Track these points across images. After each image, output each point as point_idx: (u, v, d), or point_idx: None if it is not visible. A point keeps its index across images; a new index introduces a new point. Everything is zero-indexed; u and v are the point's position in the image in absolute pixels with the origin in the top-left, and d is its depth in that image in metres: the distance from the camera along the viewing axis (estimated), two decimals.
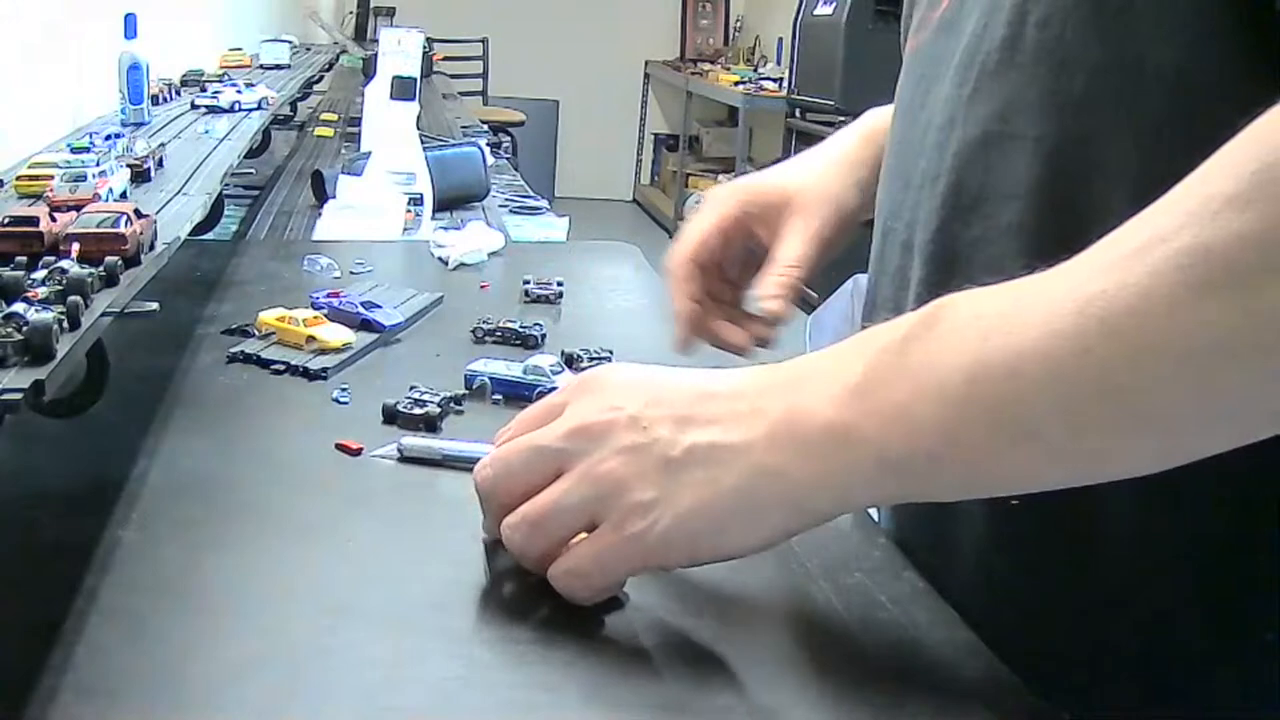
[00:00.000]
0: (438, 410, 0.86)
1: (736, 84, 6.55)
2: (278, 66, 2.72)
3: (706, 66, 7.32)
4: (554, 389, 0.89)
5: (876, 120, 0.88)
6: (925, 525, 0.72)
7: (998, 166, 0.63)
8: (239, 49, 2.68)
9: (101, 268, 0.77)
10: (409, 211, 1.61)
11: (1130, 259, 0.47)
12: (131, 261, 0.83)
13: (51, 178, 0.98)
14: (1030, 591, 0.65)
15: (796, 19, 5.74)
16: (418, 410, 0.86)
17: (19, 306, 0.66)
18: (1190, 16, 0.57)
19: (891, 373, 0.52)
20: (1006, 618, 0.63)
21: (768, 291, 0.82)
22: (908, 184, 0.71)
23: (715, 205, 0.86)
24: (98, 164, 1.01)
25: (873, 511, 0.77)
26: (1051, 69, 0.61)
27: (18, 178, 1.02)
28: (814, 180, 0.85)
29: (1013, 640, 0.61)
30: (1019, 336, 0.49)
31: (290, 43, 3.03)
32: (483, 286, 1.29)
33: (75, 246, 0.79)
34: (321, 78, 3.43)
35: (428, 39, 2.33)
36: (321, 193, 1.85)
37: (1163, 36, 0.58)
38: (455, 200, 1.90)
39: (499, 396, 0.92)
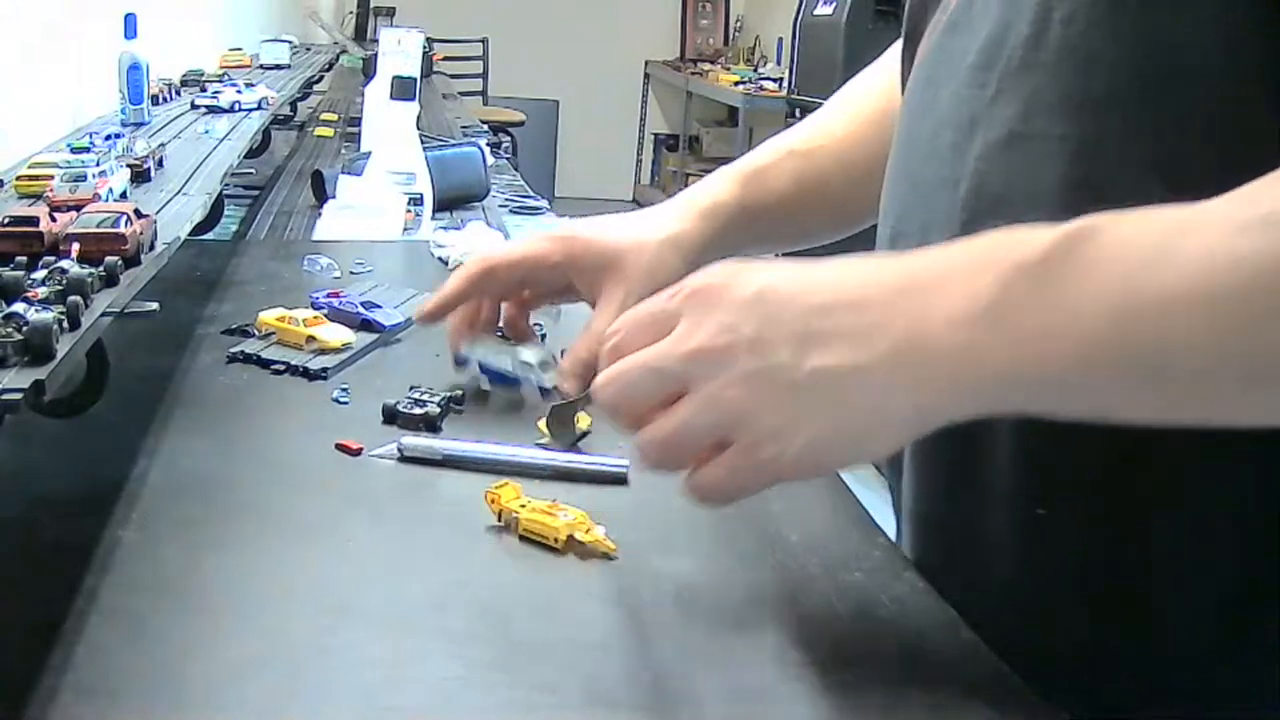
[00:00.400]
0: (438, 410, 0.87)
1: (736, 84, 6.54)
2: (278, 66, 2.71)
3: (706, 66, 7.31)
4: (544, 388, 0.90)
5: (726, 186, 0.91)
6: (926, 527, 0.72)
7: (1021, 168, 0.62)
8: (239, 49, 2.68)
9: (101, 268, 0.77)
10: (409, 211, 1.61)
11: (1271, 225, 0.47)
12: (131, 261, 0.83)
13: (51, 178, 0.98)
14: (1031, 592, 0.65)
15: (796, 19, 5.73)
16: (418, 410, 0.86)
17: (19, 306, 0.66)
18: (1213, 12, 0.57)
19: (1028, 298, 0.50)
20: (1006, 618, 0.63)
21: (568, 369, 0.86)
22: (916, 187, 0.70)
23: (544, 243, 0.90)
24: (98, 164, 1.01)
25: (872, 510, 0.77)
26: (1075, 66, 0.60)
27: (18, 178, 1.02)
28: (644, 252, 0.87)
29: (1013, 640, 0.61)
30: (1169, 278, 0.48)
31: (290, 43, 3.03)
32: None
33: (75, 246, 0.79)
34: (321, 78, 3.42)
35: (428, 39, 2.32)
36: (321, 193, 1.85)
37: (1186, 33, 0.57)
38: (455, 200, 1.90)
39: (487, 386, 0.93)
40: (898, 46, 0.85)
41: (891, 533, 0.75)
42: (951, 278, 0.53)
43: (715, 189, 0.92)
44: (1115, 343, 0.49)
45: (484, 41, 6.87)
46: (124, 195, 1.04)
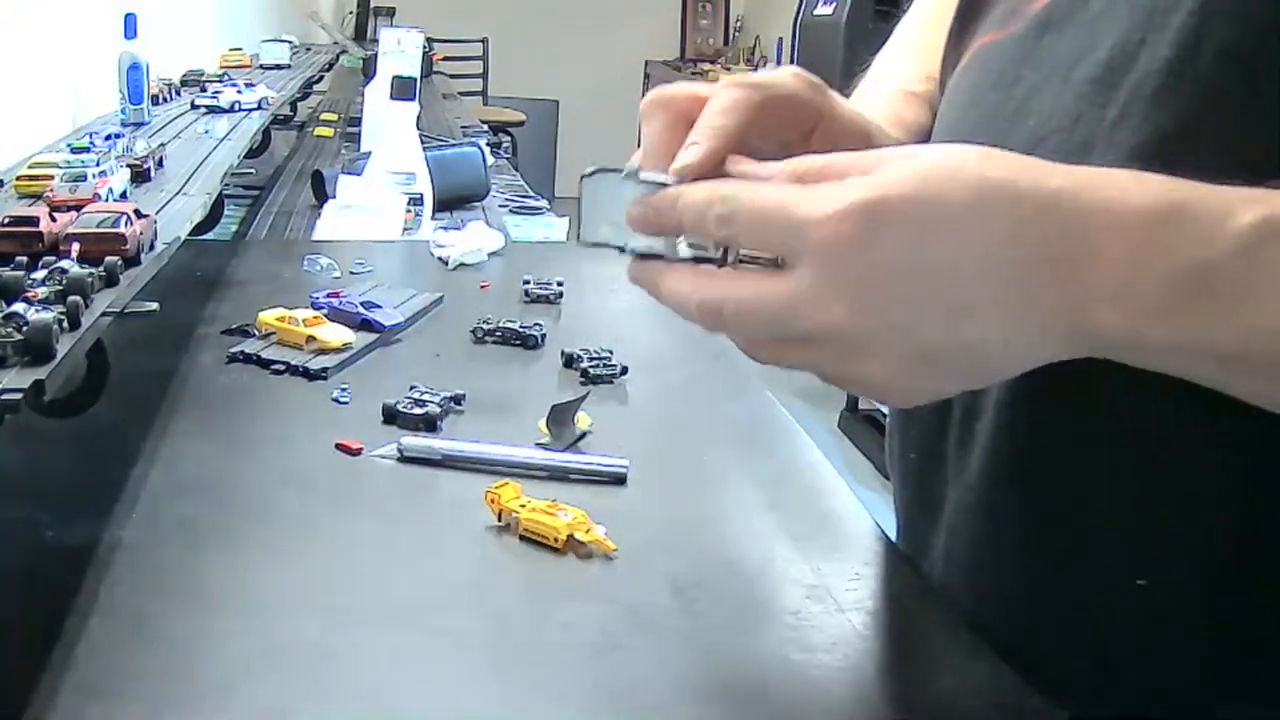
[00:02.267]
0: (438, 410, 0.87)
1: None
2: (278, 66, 2.72)
3: (706, 66, 7.31)
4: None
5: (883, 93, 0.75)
6: (928, 527, 0.72)
7: None
8: (239, 49, 2.68)
9: (101, 268, 0.77)
10: (409, 211, 1.61)
11: None
12: (131, 261, 0.83)
13: (51, 178, 0.98)
14: (1032, 592, 0.65)
15: (796, 19, 5.73)
16: (418, 410, 0.86)
17: (19, 306, 0.66)
18: None
19: (1197, 302, 0.47)
20: (1007, 618, 0.63)
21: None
22: None
23: (796, 80, 0.61)
24: (98, 164, 1.01)
25: (872, 510, 0.77)
26: (1231, 105, 0.52)
27: (18, 178, 1.02)
28: (890, 144, 0.66)
29: (1013, 640, 0.61)
30: None
31: (290, 43, 3.03)
32: (483, 286, 1.29)
33: (75, 246, 0.79)
34: (321, 78, 3.43)
35: (428, 39, 2.33)
36: (321, 193, 1.85)
37: None
38: (455, 200, 1.90)
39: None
40: (898, 42, 0.82)
41: (892, 532, 0.75)
42: (1113, 256, 0.47)
43: (912, 110, 0.74)
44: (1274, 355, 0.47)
45: (484, 41, 6.87)
46: (124, 195, 1.04)
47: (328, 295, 1.10)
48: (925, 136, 0.71)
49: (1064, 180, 0.48)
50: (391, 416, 0.87)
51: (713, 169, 0.55)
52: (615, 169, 0.57)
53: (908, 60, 0.80)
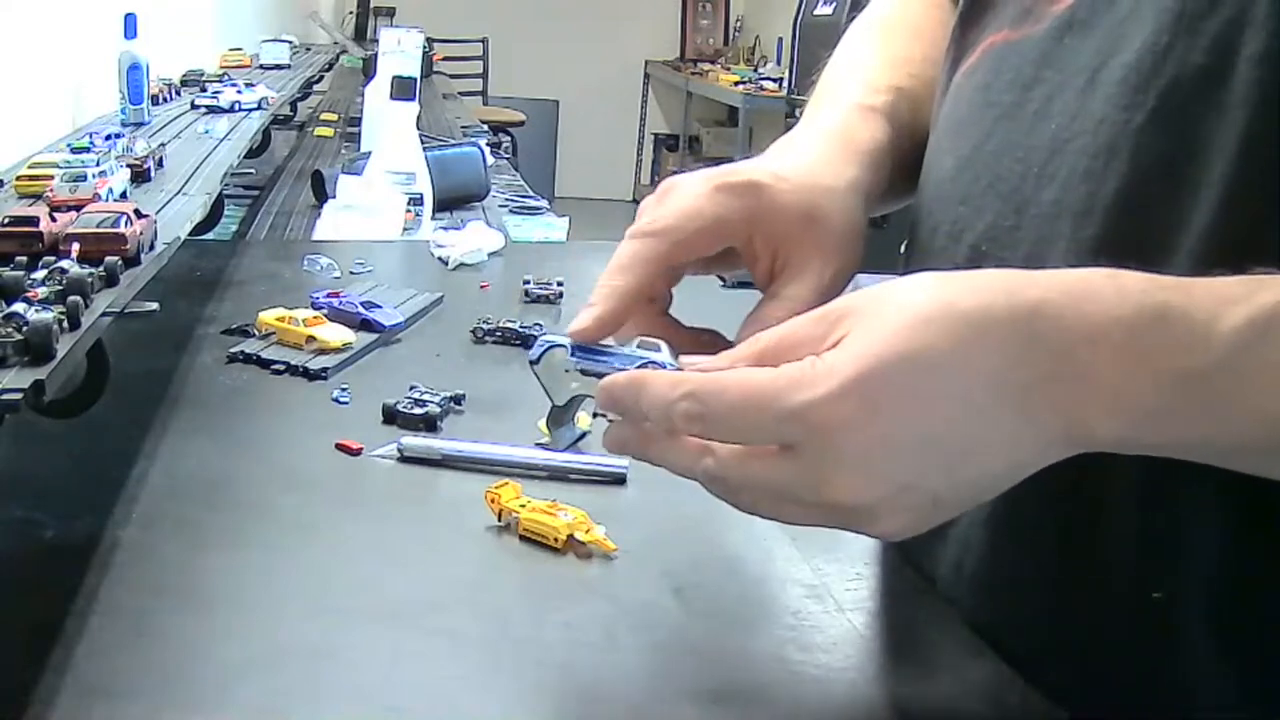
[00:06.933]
0: (438, 410, 0.87)
1: (736, 84, 6.55)
2: (278, 66, 2.72)
3: (706, 66, 7.31)
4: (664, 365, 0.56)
5: (877, 125, 0.70)
6: (931, 532, 0.71)
7: (1170, 211, 0.54)
8: (239, 49, 2.69)
9: (101, 268, 0.77)
10: (409, 211, 1.61)
11: None
12: (131, 261, 0.83)
13: (51, 178, 0.98)
14: (1031, 591, 0.65)
15: (796, 19, 5.74)
16: (418, 410, 0.86)
17: (19, 306, 0.66)
18: None
19: (1191, 405, 0.48)
20: (1006, 618, 0.63)
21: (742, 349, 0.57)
22: (1020, 209, 0.60)
23: (721, 199, 0.61)
24: (98, 164, 1.01)
25: None
26: (1268, 114, 0.51)
27: (18, 178, 1.02)
28: (837, 205, 0.64)
29: (1013, 640, 0.60)
30: None
31: (290, 43, 3.03)
32: (483, 286, 1.29)
33: (75, 246, 0.79)
34: (321, 78, 3.43)
35: (428, 39, 2.33)
36: (321, 193, 1.85)
37: None
38: (455, 200, 1.90)
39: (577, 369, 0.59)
40: (852, 48, 0.78)
41: None
42: (1102, 370, 0.48)
43: (868, 129, 0.70)
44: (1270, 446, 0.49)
45: (484, 41, 6.87)
46: (124, 195, 1.04)
47: (328, 295, 1.10)
48: (883, 154, 0.69)
49: (1040, 293, 0.49)
50: (391, 416, 0.87)
51: (614, 326, 0.58)
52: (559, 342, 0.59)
53: (864, 69, 0.77)
